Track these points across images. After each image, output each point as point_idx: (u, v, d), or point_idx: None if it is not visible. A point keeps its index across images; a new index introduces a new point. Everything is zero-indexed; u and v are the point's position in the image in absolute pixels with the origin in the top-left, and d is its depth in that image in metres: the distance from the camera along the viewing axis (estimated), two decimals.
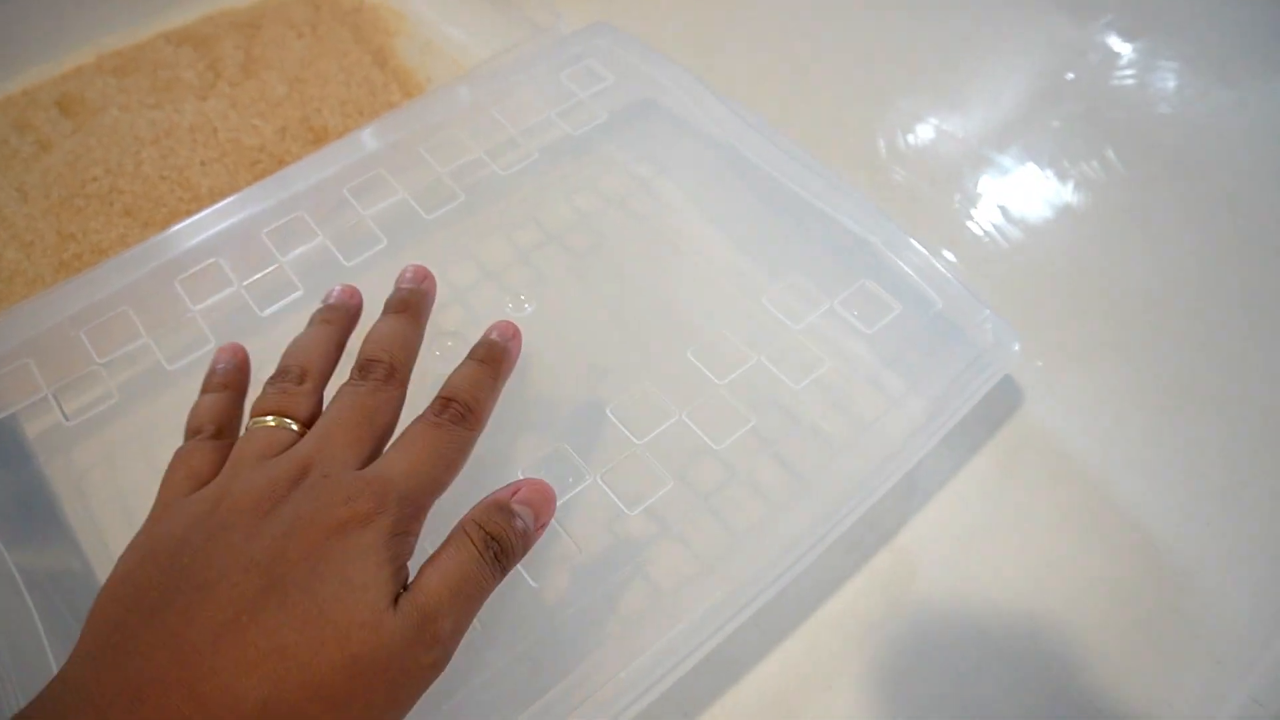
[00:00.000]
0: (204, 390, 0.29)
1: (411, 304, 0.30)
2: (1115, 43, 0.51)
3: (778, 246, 0.39)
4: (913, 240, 0.34)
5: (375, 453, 0.26)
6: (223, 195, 0.43)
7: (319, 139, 0.46)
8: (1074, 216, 0.43)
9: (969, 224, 0.43)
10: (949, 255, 0.41)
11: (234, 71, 0.50)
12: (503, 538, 0.24)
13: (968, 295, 0.33)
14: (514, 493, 0.26)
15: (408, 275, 0.31)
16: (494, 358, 0.29)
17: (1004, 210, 0.43)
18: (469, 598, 0.23)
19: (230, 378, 0.29)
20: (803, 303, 0.34)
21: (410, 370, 0.28)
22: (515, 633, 0.29)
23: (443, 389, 0.27)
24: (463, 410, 0.26)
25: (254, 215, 0.35)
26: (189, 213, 0.42)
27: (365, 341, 0.28)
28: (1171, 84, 0.49)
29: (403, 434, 0.26)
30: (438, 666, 0.23)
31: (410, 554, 0.24)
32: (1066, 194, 0.44)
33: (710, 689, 0.30)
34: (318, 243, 0.35)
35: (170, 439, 0.27)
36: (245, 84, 0.49)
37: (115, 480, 0.34)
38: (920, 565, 0.33)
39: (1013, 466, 0.35)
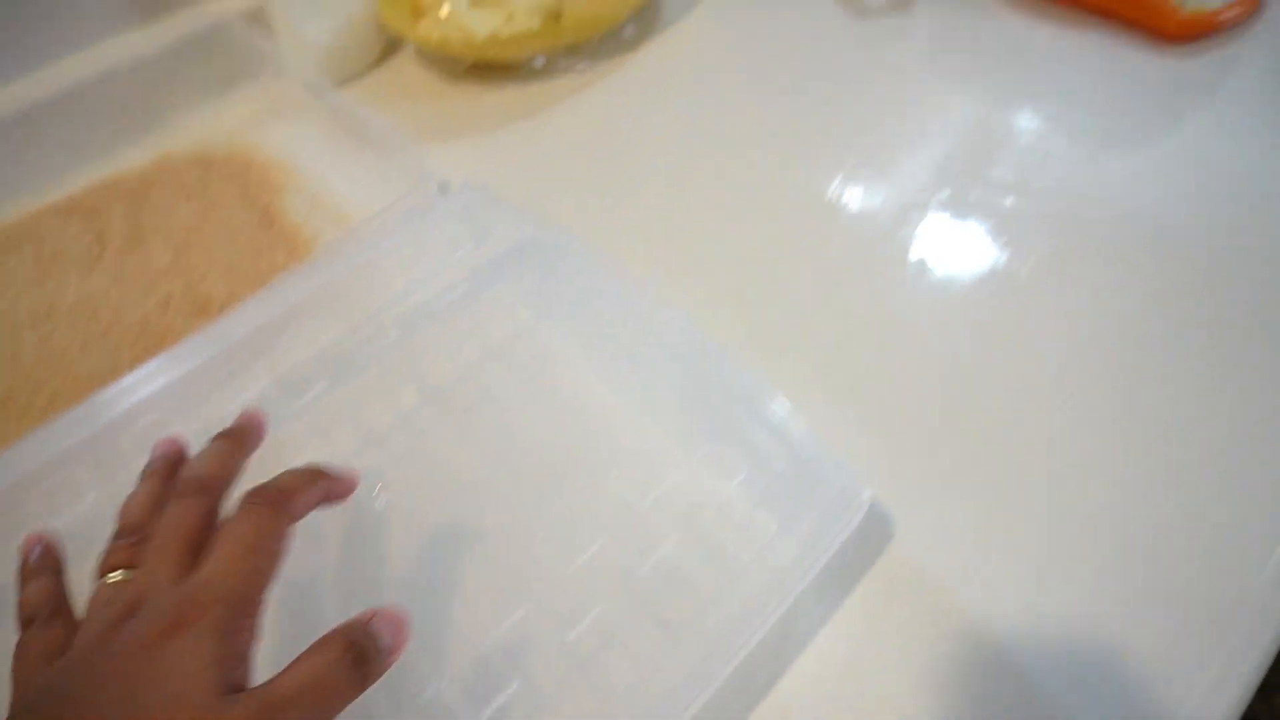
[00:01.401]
0: (24, 581, 0.30)
1: (235, 433, 0.32)
2: (1013, 117, 0.54)
3: (646, 401, 0.40)
4: (776, 400, 0.36)
5: (195, 563, 0.27)
6: (102, 378, 0.43)
7: (202, 310, 0.46)
8: (954, 317, 0.44)
9: (845, 337, 0.44)
10: (821, 377, 0.42)
11: (120, 241, 0.50)
12: (364, 646, 0.25)
13: (816, 448, 0.34)
14: (371, 615, 0.27)
15: (242, 415, 0.33)
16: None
17: (882, 316, 0.45)
18: (322, 698, 0.24)
19: (47, 561, 0.30)
20: (664, 460, 0.35)
21: (227, 485, 0.30)
22: None
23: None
24: (268, 496, 0.28)
25: (115, 419, 0.35)
26: (68, 399, 0.42)
27: (183, 466, 0.30)
28: (1077, 155, 0.51)
29: (217, 534, 0.27)
30: None
31: (246, 648, 0.25)
32: (954, 287, 0.45)
33: None
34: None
35: None
36: (131, 254, 0.49)
37: None
38: (798, 718, 0.33)
39: (887, 603, 0.35)
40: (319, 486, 0.30)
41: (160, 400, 0.38)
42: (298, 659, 0.25)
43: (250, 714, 0.23)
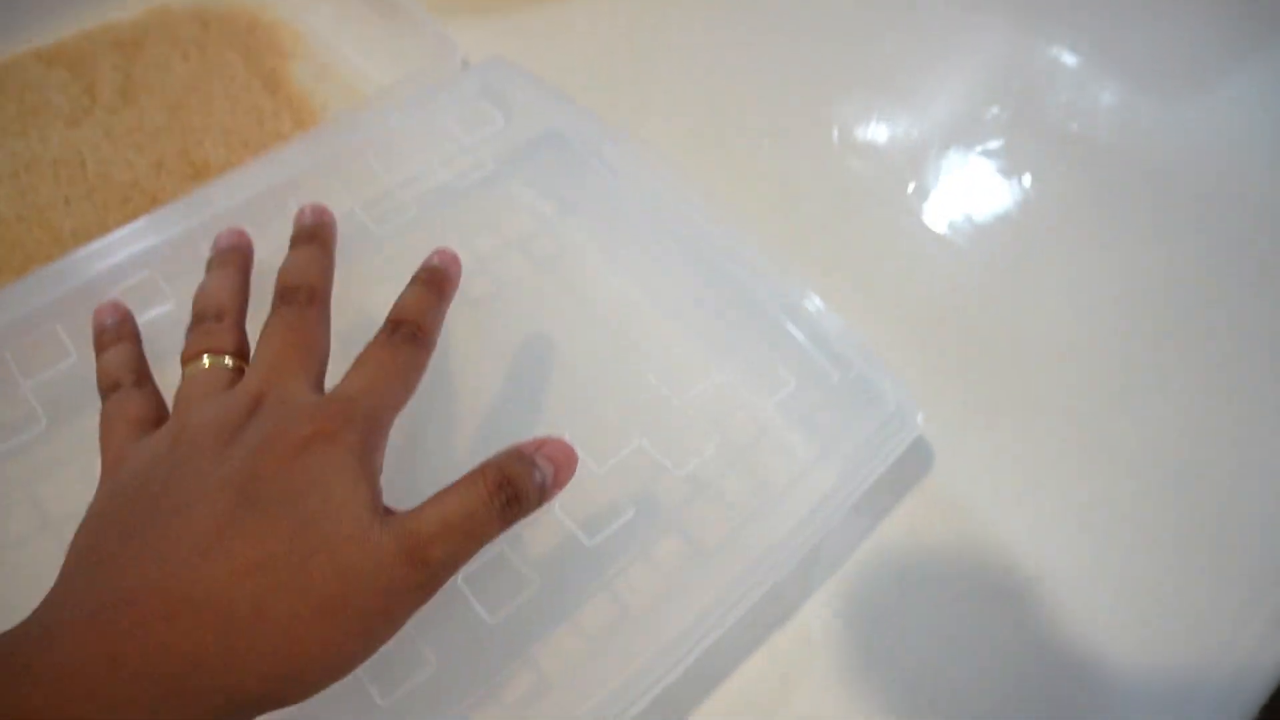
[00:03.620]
0: (101, 349, 0.29)
1: (316, 234, 0.30)
2: (1060, 56, 0.50)
3: (680, 303, 0.37)
4: (818, 302, 0.33)
5: (320, 374, 0.26)
6: (88, 237, 0.39)
7: (199, 174, 0.42)
8: (995, 254, 0.42)
9: (884, 261, 0.41)
10: (861, 296, 0.40)
11: (111, 95, 0.46)
12: (519, 484, 0.24)
13: (870, 365, 0.31)
14: (538, 447, 0.25)
15: (306, 212, 0.31)
16: (436, 280, 0.29)
17: (923, 245, 0.42)
18: (466, 535, 0.23)
19: (124, 329, 0.29)
20: (700, 369, 0.32)
21: (329, 292, 0.29)
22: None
23: (390, 313, 0.27)
24: (412, 329, 0.27)
25: (103, 272, 0.32)
26: (49, 257, 0.39)
27: (280, 274, 0.28)
28: (1111, 101, 0.48)
29: (357, 358, 0.26)
30: (426, 589, 0.23)
31: (379, 472, 0.24)
32: (990, 228, 0.43)
33: None
34: (169, 309, 0.32)
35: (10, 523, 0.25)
36: (123, 111, 0.45)
37: None
38: (822, 644, 0.31)
39: (921, 533, 0.34)
40: (444, 307, 0.29)
41: (148, 260, 0.34)
42: (446, 491, 0.24)
43: (398, 541, 0.22)
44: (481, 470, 0.24)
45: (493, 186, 0.41)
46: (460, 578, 0.27)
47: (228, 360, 0.26)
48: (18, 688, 0.18)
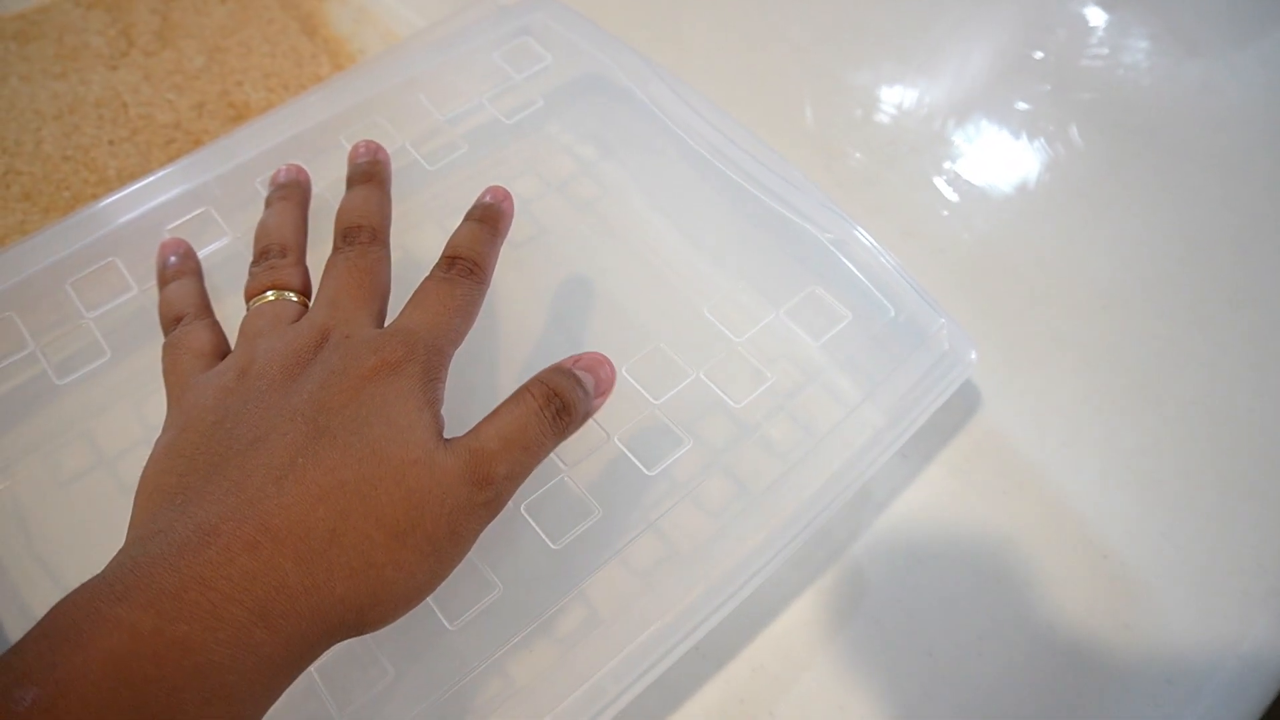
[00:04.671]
0: (164, 283, 0.29)
1: (374, 173, 0.31)
2: (1086, 15, 0.49)
3: (727, 243, 0.37)
4: (870, 239, 0.32)
5: (381, 311, 0.27)
6: (132, 178, 0.39)
7: (240, 115, 0.42)
8: (1037, 203, 0.42)
9: (927, 209, 0.41)
10: (906, 243, 0.40)
11: (148, 39, 0.46)
12: (566, 395, 0.25)
13: (924, 302, 0.31)
14: (575, 361, 0.27)
15: (361, 150, 0.31)
16: (490, 217, 0.29)
17: (965, 193, 0.41)
18: (524, 449, 0.24)
19: (187, 264, 0.30)
20: (749, 310, 0.32)
21: (389, 231, 0.29)
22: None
23: (446, 249, 0.28)
24: (469, 265, 0.27)
25: (159, 206, 0.32)
26: (94, 197, 0.39)
27: (340, 214, 0.29)
28: (1142, 60, 0.47)
29: (415, 292, 0.27)
30: (491, 506, 0.23)
31: (441, 401, 0.25)
32: (1031, 178, 0.42)
33: (652, 713, 0.29)
34: (225, 243, 0.32)
35: (66, 458, 0.25)
36: (161, 54, 0.45)
37: (14, 493, 0.31)
38: (871, 582, 0.31)
39: (968, 475, 0.34)
40: (499, 242, 0.29)
41: (202, 195, 0.34)
42: (499, 410, 0.24)
43: (462, 462, 0.23)
44: (528, 387, 0.25)
45: (537, 127, 0.40)
46: (523, 505, 0.27)
47: (292, 296, 0.27)
48: (120, 608, 0.18)
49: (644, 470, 0.28)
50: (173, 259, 0.30)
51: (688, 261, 0.37)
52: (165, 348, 0.27)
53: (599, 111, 0.40)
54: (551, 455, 0.26)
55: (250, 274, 0.28)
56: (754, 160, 0.35)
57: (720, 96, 0.44)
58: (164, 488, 0.22)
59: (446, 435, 0.24)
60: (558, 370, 0.26)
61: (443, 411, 0.25)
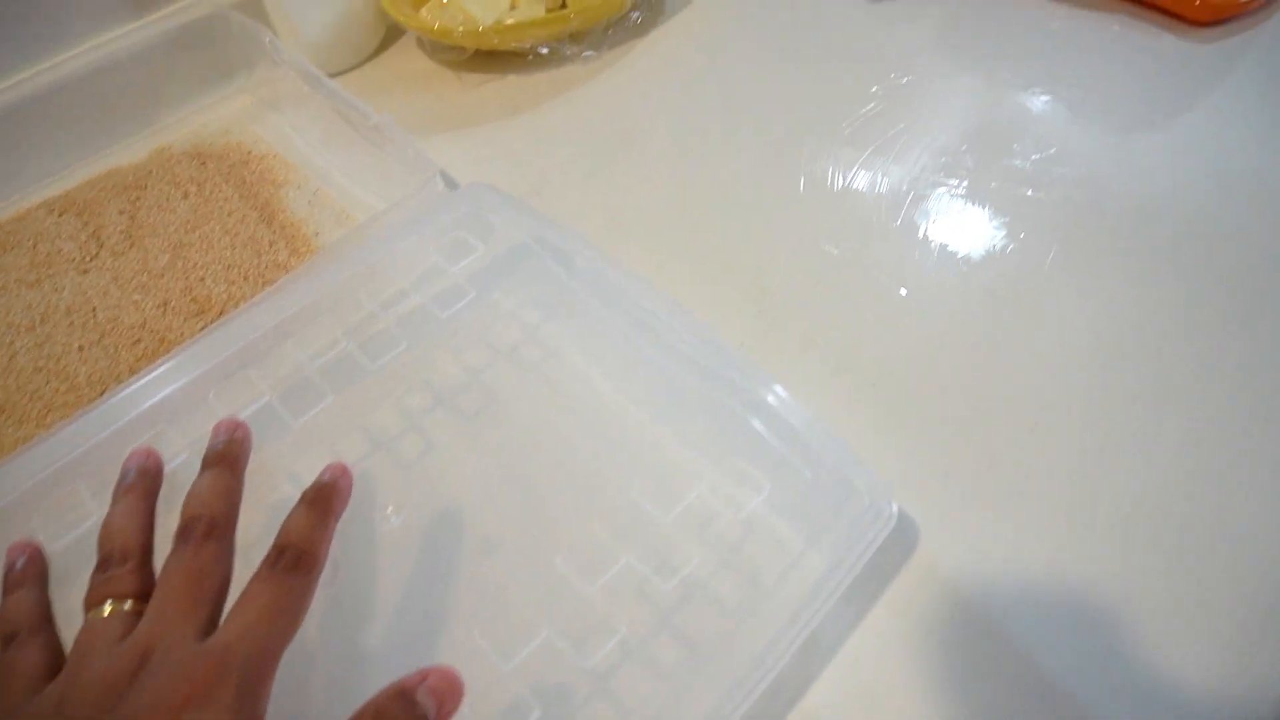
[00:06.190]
0: (8, 590, 0.29)
1: (227, 454, 0.31)
2: (1028, 101, 0.52)
3: (656, 412, 0.39)
4: (787, 397, 0.34)
5: (215, 613, 0.26)
6: (102, 383, 0.42)
7: (202, 310, 0.45)
8: (968, 324, 0.43)
9: (857, 339, 0.43)
10: (838, 380, 0.41)
11: (117, 239, 0.49)
12: None
13: (842, 458, 0.33)
14: (421, 680, 0.26)
15: (221, 429, 0.32)
16: (323, 497, 0.30)
17: (895, 322, 0.43)
18: None
19: (30, 570, 0.29)
20: (672, 488, 0.34)
21: (234, 521, 0.29)
22: None
23: (278, 536, 0.28)
24: (296, 555, 0.27)
25: (117, 431, 0.34)
26: (65, 405, 0.41)
27: (184, 503, 0.29)
28: (1086, 145, 0.50)
29: (241, 593, 0.26)
30: None
31: (264, 711, 0.24)
32: (960, 301, 0.44)
33: None
34: (182, 460, 0.34)
35: None
36: (128, 253, 0.48)
37: None
38: None
39: (912, 614, 0.35)
40: (332, 525, 0.29)
41: (162, 411, 0.36)
42: None
43: None
44: (362, 713, 0.25)
45: (477, 303, 0.43)
46: (467, 704, 0.28)
47: (128, 604, 0.27)
48: None
49: (578, 662, 0.29)
50: (18, 563, 0.29)
51: (624, 429, 0.38)
52: None
53: (538, 283, 0.43)
54: (489, 655, 0.27)
55: (90, 582, 0.28)
56: (675, 327, 0.37)
57: (653, 246, 0.46)
58: None
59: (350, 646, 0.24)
60: (398, 695, 0.25)
61: (357, 620, 0.25)
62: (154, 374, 0.36)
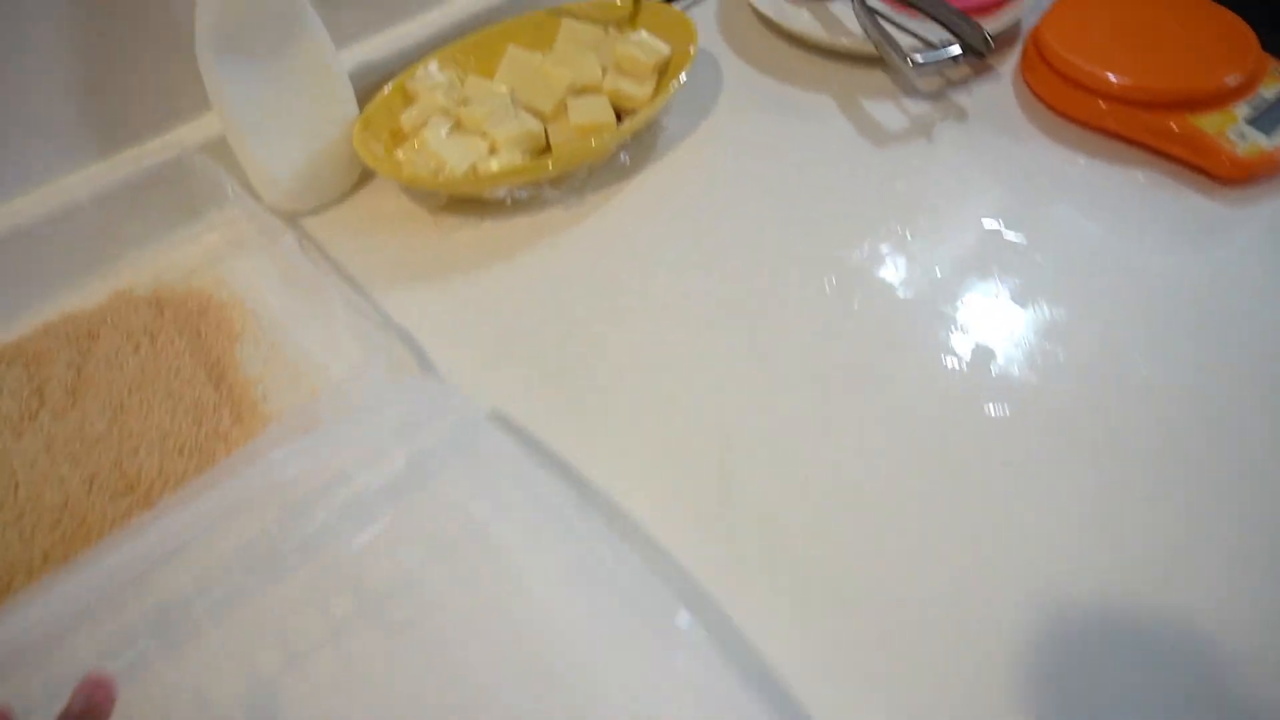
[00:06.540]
0: None
1: (83, 717, 0.29)
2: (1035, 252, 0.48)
3: (600, 626, 0.35)
4: (686, 617, 0.31)
5: None
6: (12, 571, 0.39)
7: (131, 487, 0.42)
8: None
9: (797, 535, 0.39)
10: (776, 599, 0.37)
11: (60, 396, 0.47)
12: None
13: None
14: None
15: (79, 693, 0.30)
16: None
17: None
18: None
19: None
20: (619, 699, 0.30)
21: None
22: None
23: None
24: None
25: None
26: None
27: None
28: (1095, 311, 0.46)
29: None
30: None
31: None
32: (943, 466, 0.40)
33: None
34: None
35: None
36: (68, 415, 0.46)
37: None
38: None
39: None
40: None
41: (65, 617, 0.34)
42: None
43: None
44: None
45: (415, 502, 0.40)
46: None
47: None
48: None
49: None
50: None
51: (557, 643, 0.35)
52: None
53: (480, 486, 0.40)
54: None
55: None
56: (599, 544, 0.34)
57: (626, 416, 0.43)
58: None
59: None
60: None
61: None
62: (59, 580, 0.34)
